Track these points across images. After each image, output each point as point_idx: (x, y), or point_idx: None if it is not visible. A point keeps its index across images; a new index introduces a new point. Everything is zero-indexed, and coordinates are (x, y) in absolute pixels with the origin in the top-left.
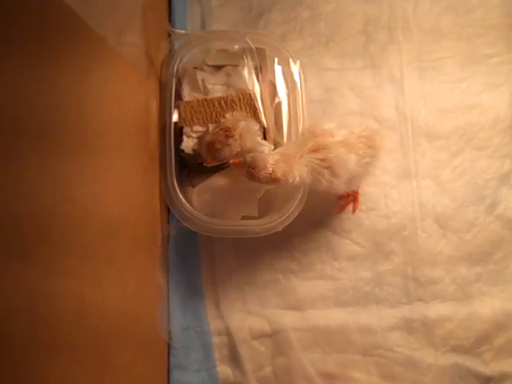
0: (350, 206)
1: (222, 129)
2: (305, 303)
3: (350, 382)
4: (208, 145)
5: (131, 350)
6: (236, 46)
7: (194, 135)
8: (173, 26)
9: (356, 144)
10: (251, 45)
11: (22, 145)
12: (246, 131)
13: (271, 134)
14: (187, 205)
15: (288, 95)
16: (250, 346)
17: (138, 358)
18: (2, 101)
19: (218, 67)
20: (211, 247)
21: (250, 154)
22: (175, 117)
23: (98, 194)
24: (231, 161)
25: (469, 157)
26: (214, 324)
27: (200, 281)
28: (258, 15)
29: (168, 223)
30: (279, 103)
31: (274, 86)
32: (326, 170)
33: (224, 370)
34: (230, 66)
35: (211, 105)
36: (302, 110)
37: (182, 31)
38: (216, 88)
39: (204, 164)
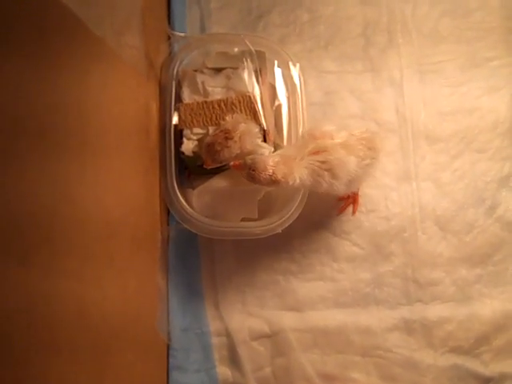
0: (350, 208)
1: (221, 131)
2: (304, 304)
3: (349, 383)
4: (208, 146)
5: (131, 351)
6: (236, 49)
7: (194, 137)
8: (172, 29)
9: (356, 146)
10: (251, 47)
11: (21, 145)
12: (246, 133)
13: (271, 136)
14: (187, 206)
15: (288, 98)
16: (250, 347)
17: (138, 359)
18: (2, 101)
19: (218, 70)
20: (211, 249)
21: (251, 156)
22: (175, 119)
23: (98, 194)
24: (231, 163)
25: (469, 159)
26: (213, 325)
27: (200, 282)
28: (257, 18)
29: (168, 225)
30: (279, 106)
31: (273, 88)
32: (326, 172)
33: (223, 370)
34: (230, 68)
35: (211, 107)
36: (302, 112)
37: (182, 34)
38: (216, 90)
39: (204, 166)
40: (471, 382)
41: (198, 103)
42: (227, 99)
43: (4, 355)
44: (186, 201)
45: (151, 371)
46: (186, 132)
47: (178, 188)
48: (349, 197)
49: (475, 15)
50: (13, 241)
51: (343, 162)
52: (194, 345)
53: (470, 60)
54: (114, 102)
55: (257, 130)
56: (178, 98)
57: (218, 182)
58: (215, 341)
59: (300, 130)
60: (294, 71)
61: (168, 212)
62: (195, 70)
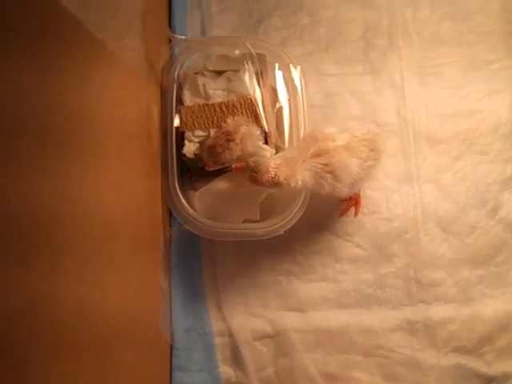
0: (352, 210)
1: (223, 133)
2: (307, 305)
3: (352, 383)
4: (209, 148)
5: (132, 351)
6: (236, 52)
7: (196, 140)
8: (173, 32)
9: (358, 147)
10: (252, 50)
11: (22, 145)
12: (248, 135)
13: (272, 138)
14: (189, 208)
15: (289, 100)
16: (252, 347)
17: (139, 359)
18: (2, 101)
19: (219, 72)
20: (213, 250)
21: (253, 159)
22: (176, 121)
23: (99, 195)
24: (234, 165)
25: (470, 161)
26: (216, 325)
27: (202, 283)
28: (257, 21)
29: (170, 226)
30: (280, 108)
31: (274, 91)
32: (328, 175)
33: (226, 370)
34: (231, 71)
35: (212, 110)
36: (303, 114)
37: (183, 37)
38: (217, 93)
39: (205, 168)
40: (474, 382)
41: (199, 106)
42: (228, 102)
43: (4, 355)
44: (188, 202)
45: (152, 371)
46: (188, 134)
47: (180, 190)
48: (351, 198)
49: (475, 18)
50: (13, 241)
51: (345, 164)
52: (196, 345)
53: (471, 63)
54: (115, 105)
55: (258, 132)
56: (179, 101)
57: (219, 184)
58: (218, 341)
59: (301, 133)
60: (295, 74)
61: (170, 214)
62: (196, 73)
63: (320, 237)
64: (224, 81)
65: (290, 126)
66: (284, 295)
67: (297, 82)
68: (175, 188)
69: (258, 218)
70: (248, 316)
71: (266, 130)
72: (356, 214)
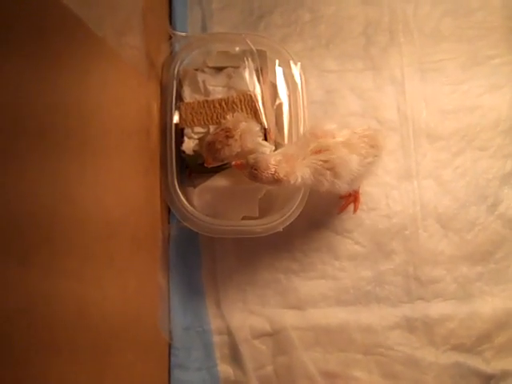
0: (351, 206)
1: (222, 129)
2: (306, 302)
3: (351, 381)
4: (208, 145)
5: (132, 350)
6: (237, 48)
7: (195, 136)
8: (173, 29)
9: (358, 144)
10: (252, 47)
11: (21, 145)
12: (247, 132)
13: (272, 134)
14: (188, 205)
15: (289, 96)
16: (251, 345)
17: (138, 358)
18: (2, 101)
19: (219, 69)
20: (212, 247)
21: (252, 155)
22: (176, 118)
23: (99, 194)
24: (233, 162)
25: (470, 157)
26: (214, 323)
27: (201, 281)
28: (258, 18)
29: (169, 223)
30: (280, 104)
31: (274, 87)
32: (328, 172)
33: (225, 369)
34: (231, 67)
35: (212, 106)
36: (303, 111)
37: (183, 33)
38: (217, 89)
39: (205, 165)
40: (473, 380)
41: (198, 102)
42: (228, 98)
43: (4, 355)
44: (187, 199)
45: (151, 371)
46: (187, 131)
47: (179, 187)
48: (350, 195)
49: (477, 15)
50: (13, 241)
51: (345, 160)
52: (195, 343)
53: (472, 58)
54: (114, 102)
55: (258, 128)
56: (179, 97)
57: (218, 181)
58: (216, 339)
59: (301, 129)
60: (295, 70)
61: (169, 211)
62: (196, 69)
63: (319, 234)
64: (224, 77)
65: (289, 122)
66: (283, 293)
67: (297, 79)
68: (174, 185)
69: (257, 215)
70: (247, 314)
71: (266, 127)
72: (355, 210)
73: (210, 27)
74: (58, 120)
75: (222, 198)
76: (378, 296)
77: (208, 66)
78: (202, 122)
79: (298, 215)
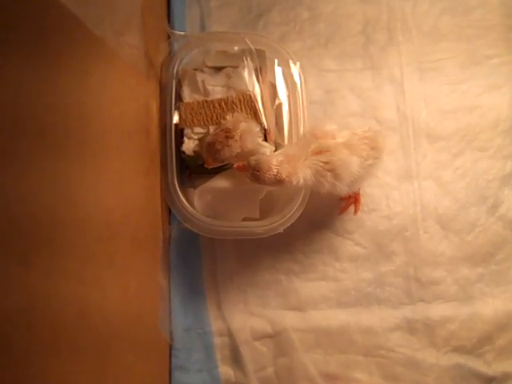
0: (352, 207)
1: (222, 130)
2: (306, 304)
3: (351, 383)
4: (208, 146)
5: (132, 351)
6: (236, 48)
7: (195, 137)
8: (172, 28)
9: (359, 145)
10: (251, 46)
11: (21, 145)
12: (247, 132)
13: (272, 135)
14: (188, 206)
15: (288, 96)
16: (252, 347)
17: (139, 359)
18: (2, 101)
19: (218, 69)
20: (213, 248)
21: (254, 157)
22: (176, 118)
23: (99, 194)
24: (235, 165)
25: (470, 158)
26: (215, 325)
27: (201, 282)
28: (257, 16)
29: (169, 224)
30: (280, 104)
31: (274, 87)
32: (328, 173)
33: (226, 370)
34: (230, 67)
35: (211, 106)
36: (303, 111)
37: (182, 33)
38: (216, 89)
39: (205, 165)
40: (474, 382)
41: (198, 102)
42: (227, 98)
43: (4, 355)
44: (187, 200)
45: (152, 371)
46: (187, 131)
47: (179, 187)
48: (350, 196)
49: (475, 13)
50: (13, 241)
51: (346, 162)
52: (196, 344)
53: (470, 58)
54: (114, 102)
55: (257, 129)
56: (179, 97)
57: (219, 182)
58: (217, 341)
59: (301, 129)
60: (295, 70)
61: (169, 212)
62: (195, 69)
63: (320, 235)
64: (223, 77)
65: (289, 122)
66: (284, 294)
67: (296, 78)
68: (174, 186)
69: (258, 216)
70: (247, 315)
71: (266, 127)
72: (355, 211)
73: (208, 26)
74: (57, 120)
75: (223, 199)
76: (379, 297)
77: (207, 66)
78: (202, 123)
79: (299, 216)
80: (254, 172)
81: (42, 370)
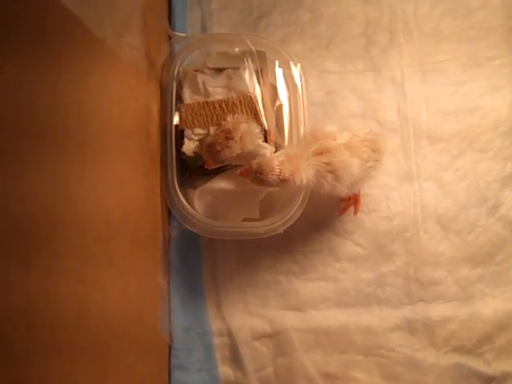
0: (352, 208)
1: (222, 131)
2: (306, 304)
3: (351, 383)
4: (208, 146)
5: (132, 351)
6: (237, 49)
7: (195, 138)
8: (173, 29)
9: (360, 147)
10: (252, 47)
11: (21, 145)
12: (247, 133)
13: (272, 136)
14: (188, 207)
15: (289, 98)
16: (252, 347)
17: (138, 359)
18: (2, 101)
19: (219, 70)
20: (213, 249)
21: (255, 161)
22: (176, 119)
23: (99, 195)
24: (238, 171)
25: (471, 159)
26: (215, 325)
27: (201, 282)
28: (258, 18)
29: (169, 225)
30: (280, 106)
31: (274, 88)
32: (329, 174)
33: (225, 370)
34: (231, 68)
35: (212, 107)
36: (303, 112)
37: (183, 34)
38: (217, 91)
39: (205, 166)
40: (474, 381)
41: (198, 103)
42: (228, 99)
43: (4, 355)
44: (187, 201)
45: (152, 371)
46: (187, 132)
47: (179, 188)
48: (350, 197)
49: (477, 15)
50: (13, 241)
51: (347, 164)
52: (195, 344)
53: (472, 59)
54: (114, 103)
55: (258, 130)
56: (179, 99)
57: (219, 183)
58: (217, 340)
59: (301, 130)
60: (295, 71)
61: (169, 212)
62: (196, 70)
63: (320, 235)
64: (224, 78)
65: (289, 123)
66: (284, 294)
67: (297, 80)
68: (174, 186)
69: (258, 217)
70: (247, 315)
71: (266, 128)
72: (355, 212)
73: (209, 27)
74: (57, 120)
75: (223, 199)
76: (379, 298)
77: (208, 67)
78: (202, 124)
79: (299, 217)
80: (257, 175)
81: (41, 370)
